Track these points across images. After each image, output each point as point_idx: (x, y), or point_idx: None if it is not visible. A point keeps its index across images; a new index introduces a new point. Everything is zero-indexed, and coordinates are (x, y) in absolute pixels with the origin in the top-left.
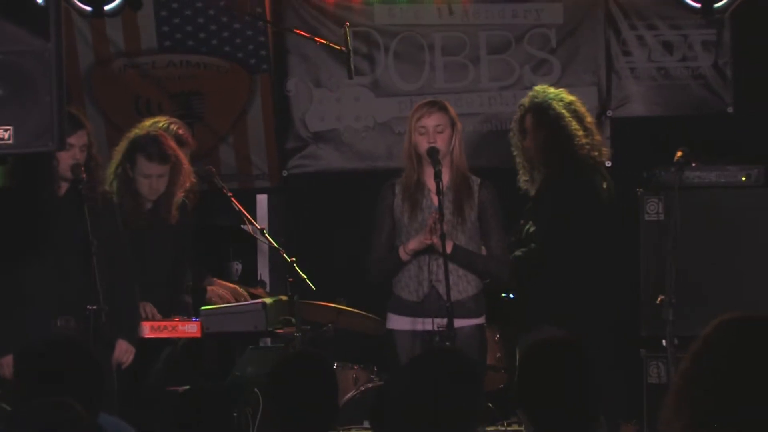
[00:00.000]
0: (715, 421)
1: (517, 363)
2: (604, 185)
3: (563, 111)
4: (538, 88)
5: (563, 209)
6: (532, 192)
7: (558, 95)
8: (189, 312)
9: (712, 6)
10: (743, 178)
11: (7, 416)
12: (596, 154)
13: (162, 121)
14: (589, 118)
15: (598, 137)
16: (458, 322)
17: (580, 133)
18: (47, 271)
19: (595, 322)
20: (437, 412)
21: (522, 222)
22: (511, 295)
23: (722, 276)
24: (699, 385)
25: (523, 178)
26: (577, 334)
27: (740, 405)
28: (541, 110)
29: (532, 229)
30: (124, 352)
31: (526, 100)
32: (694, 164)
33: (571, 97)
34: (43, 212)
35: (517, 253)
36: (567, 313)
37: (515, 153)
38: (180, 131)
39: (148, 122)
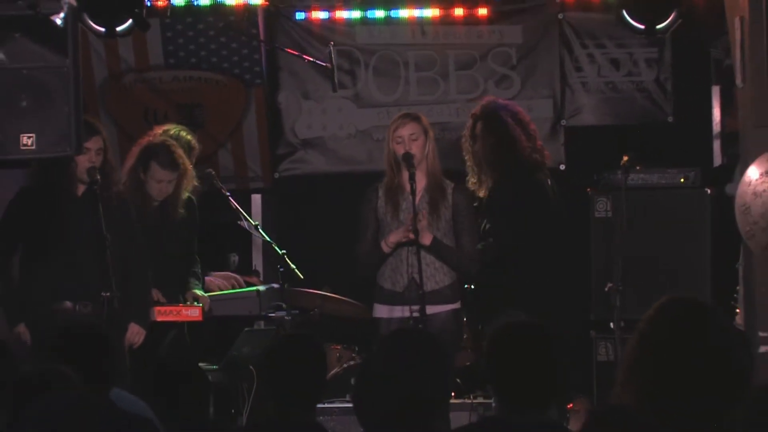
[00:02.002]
0: (659, 390)
1: (486, 343)
2: (549, 182)
3: (509, 120)
4: (488, 99)
5: (514, 206)
6: (481, 192)
7: (504, 107)
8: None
9: (654, 27)
10: (682, 180)
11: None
12: (537, 156)
13: (173, 128)
14: (532, 126)
15: (539, 142)
16: (437, 308)
17: (524, 138)
18: (64, 261)
19: (551, 307)
20: (407, 386)
21: (478, 220)
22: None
23: (663, 266)
24: (644, 360)
25: (471, 180)
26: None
27: (680, 375)
28: (490, 118)
29: (488, 226)
30: (135, 334)
31: (477, 110)
32: (638, 167)
33: (517, 108)
34: (62, 210)
35: (478, 246)
36: (526, 299)
37: (466, 157)
38: (189, 137)
39: (160, 130)
